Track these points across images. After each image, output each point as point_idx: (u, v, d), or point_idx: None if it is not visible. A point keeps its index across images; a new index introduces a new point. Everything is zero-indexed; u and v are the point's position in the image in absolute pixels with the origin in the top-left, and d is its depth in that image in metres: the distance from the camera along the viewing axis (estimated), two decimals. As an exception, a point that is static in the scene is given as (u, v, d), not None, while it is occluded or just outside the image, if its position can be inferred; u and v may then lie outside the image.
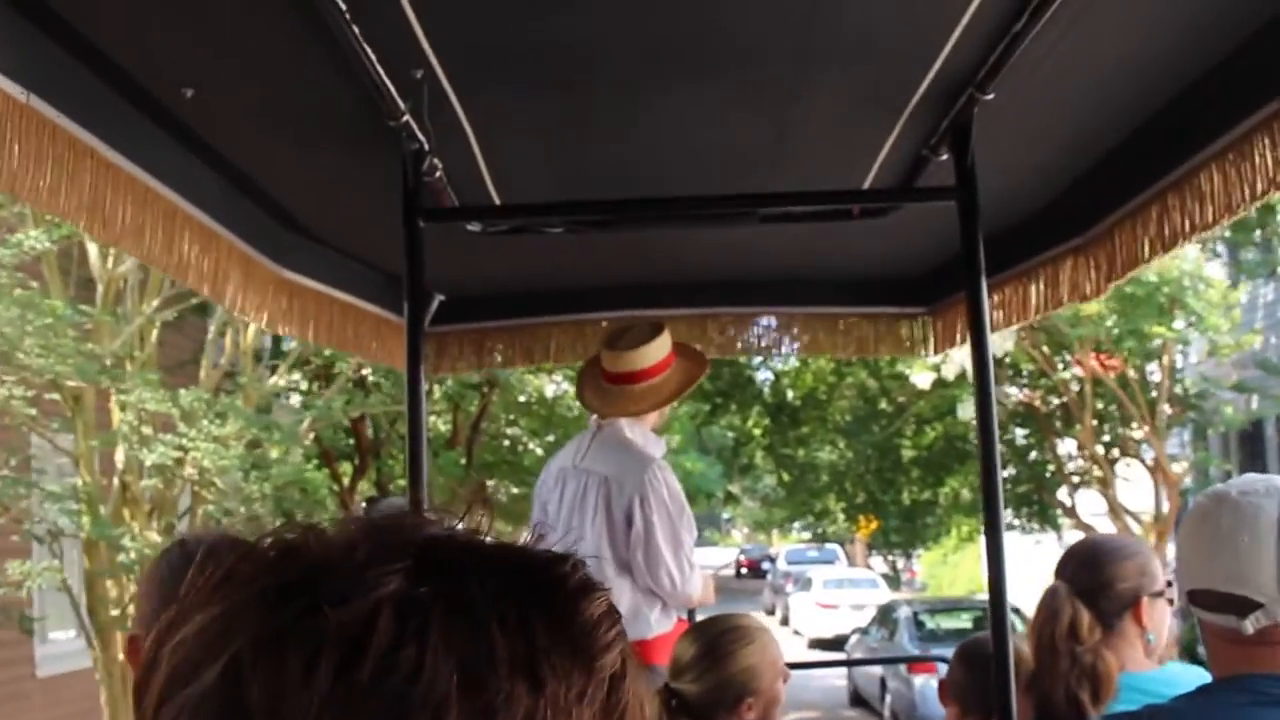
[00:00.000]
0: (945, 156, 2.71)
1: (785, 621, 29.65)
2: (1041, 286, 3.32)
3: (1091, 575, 2.46)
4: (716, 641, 2.67)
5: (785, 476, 30.65)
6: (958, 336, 4.10)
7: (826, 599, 27.23)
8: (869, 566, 38.07)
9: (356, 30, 2.02)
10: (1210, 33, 2.19)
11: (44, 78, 1.97)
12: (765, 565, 46.27)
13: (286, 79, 2.39)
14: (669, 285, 4.17)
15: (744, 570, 50.85)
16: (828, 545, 40.50)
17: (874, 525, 31.78)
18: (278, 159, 2.82)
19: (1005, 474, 21.25)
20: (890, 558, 39.48)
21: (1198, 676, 2.29)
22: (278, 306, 3.15)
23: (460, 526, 0.66)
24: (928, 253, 3.84)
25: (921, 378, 16.32)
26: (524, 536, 0.68)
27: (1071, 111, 2.63)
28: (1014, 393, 17.97)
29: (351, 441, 18.08)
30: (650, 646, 3.51)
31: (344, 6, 1.95)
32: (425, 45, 2.18)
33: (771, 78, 2.47)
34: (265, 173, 2.87)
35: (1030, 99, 2.49)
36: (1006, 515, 20.63)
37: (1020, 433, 20.05)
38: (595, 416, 3.92)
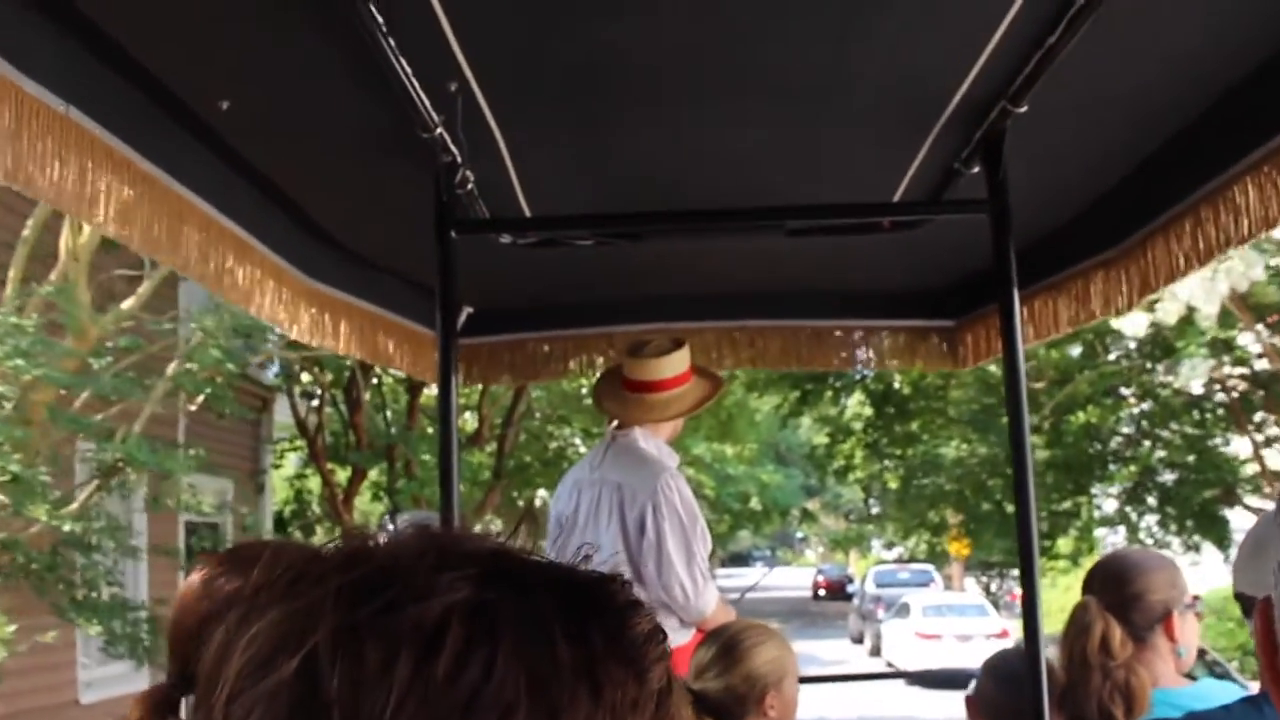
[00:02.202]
0: (977, 170, 2.71)
1: (876, 652, 26.39)
2: (1072, 300, 3.31)
3: (1121, 589, 2.45)
4: (736, 639, 2.70)
5: (891, 482, 25.57)
6: (986, 349, 4.09)
7: (927, 628, 23.42)
8: (962, 589, 34.18)
9: (392, 43, 2.04)
10: (1244, 43, 2.18)
11: (83, 90, 1.99)
12: (852, 587, 41.04)
13: (321, 92, 2.41)
14: (698, 298, 4.17)
15: (822, 592, 46.52)
16: (919, 565, 35.39)
17: (967, 542, 27.42)
18: (310, 171, 2.84)
19: (1165, 479, 17.76)
20: (983, 579, 34.84)
21: (1233, 693, 2.27)
22: (310, 318, 3.17)
23: (504, 541, 0.69)
24: (956, 265, 3.83)
25: (1134, 321, 11.89)
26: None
27: (1105, 123, 2.62)
28: (1174, 374, 14.44)
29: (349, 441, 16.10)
30: None
31: (380, 19, 1.96)
32: (460, 58, 2.19)
33: (803, 92, 2.47)
34: (298, 185, 2.89)
35: (1063, 111, 2.48)
36: (1158, 529, 17.17)
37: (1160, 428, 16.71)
38: (612, 427, 3.94)
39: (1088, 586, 2.52)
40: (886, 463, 24.36)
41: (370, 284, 3.53)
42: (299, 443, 16.92)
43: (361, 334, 3.51)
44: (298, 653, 0.59)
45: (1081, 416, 18.05)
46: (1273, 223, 2.28)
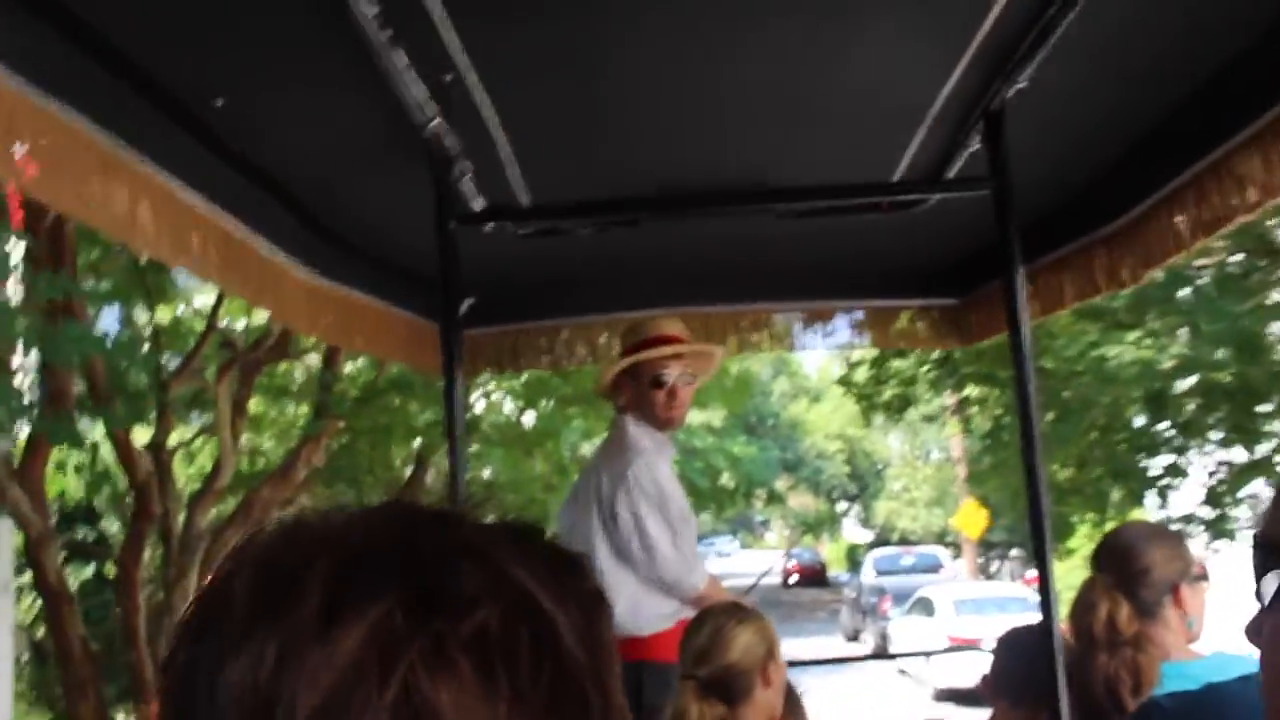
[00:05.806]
0: (977, 146, 2.70)
1: (882, 654, 21.96)
2: (1075, 275, 3.29)
3: (1128, 565, 2.45)
4: (724, 619, 2.72)
5: (979, 420, 17.45)
6: (993, 326, 4.08)
7: (961, 629, 17.78)
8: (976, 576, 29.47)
9: (388, 34, 2.03)
10: (1244, 13, 2.17)
11: (79, 89, 1.98)
12: (844, 576, 36.20)
13: (318, 85, 2.40)
14: (701, 282, 4.16)
15: (794, 579, 42.04)
16: (923, 548, 31.07)
17: (986, 518, 22.60)
18: (310, 166, 2.83)
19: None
20: (979, 560, 30.03)
21: (1245, 665, 2.26)
22: (311, 313, 3.16)
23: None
24: (959, 243, 3.82)
25: None
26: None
27: (1105, 97, 2.60)
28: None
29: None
30: (646, 644, 3.48)
31: (374, 10, 1.95)
32: (456, 49, 2.18)
33: (801, 72, 2.45)
34: (296, 179, 2.88)
35: (1063, 86, 2.46)
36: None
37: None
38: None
39: (1096, 565, 2.53)
40: (969, 392, 16.55)
41: (372, 277, 3.53)
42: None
43: (365, 328, 3.51)
44: (390, 680, 0.57)
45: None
46: (1276, 192, 2.27)
